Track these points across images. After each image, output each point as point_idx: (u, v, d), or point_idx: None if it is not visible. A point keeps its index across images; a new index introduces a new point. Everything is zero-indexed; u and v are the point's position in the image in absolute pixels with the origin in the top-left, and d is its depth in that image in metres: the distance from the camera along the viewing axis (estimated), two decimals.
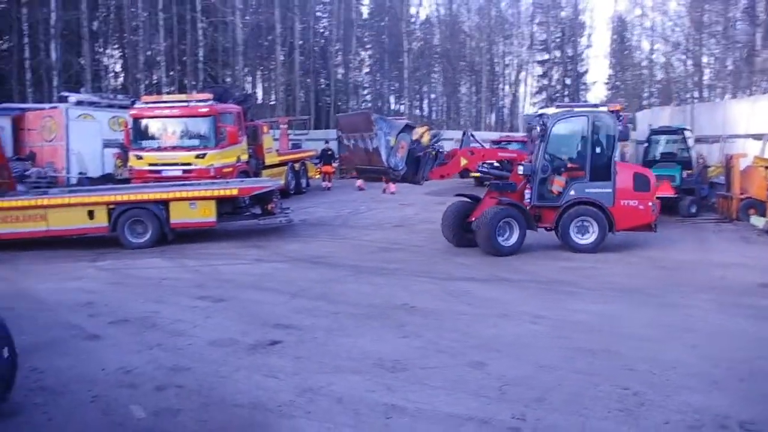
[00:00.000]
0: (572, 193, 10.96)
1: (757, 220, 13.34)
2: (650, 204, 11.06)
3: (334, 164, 24.17)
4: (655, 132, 17.76)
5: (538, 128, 11.39)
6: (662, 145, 17.58)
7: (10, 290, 8.76)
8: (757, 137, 18.33)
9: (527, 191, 11.13)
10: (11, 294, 8.50)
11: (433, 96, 62.68)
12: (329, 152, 24.03)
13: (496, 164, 11.96)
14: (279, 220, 13.39)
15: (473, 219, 11.22)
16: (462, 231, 11.52)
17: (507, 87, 59.25)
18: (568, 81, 56.89)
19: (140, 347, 6.18)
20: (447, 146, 13.19)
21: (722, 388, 5.09)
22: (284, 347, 6.14)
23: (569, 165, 11.12)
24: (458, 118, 57.71)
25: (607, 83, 58.18)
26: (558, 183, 10.98)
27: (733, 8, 40.80)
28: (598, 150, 11.13)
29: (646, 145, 17.72)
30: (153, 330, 6.77)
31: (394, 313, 7.31)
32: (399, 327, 6.77)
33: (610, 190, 10.92)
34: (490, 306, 7.65)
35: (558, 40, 56.14)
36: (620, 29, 56.44)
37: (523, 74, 57.76)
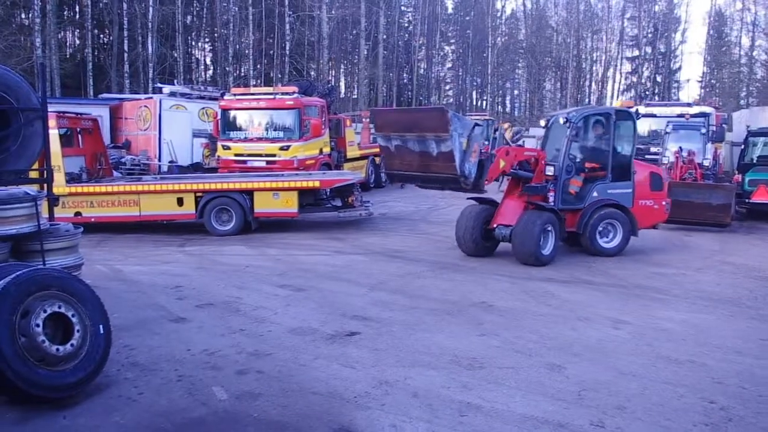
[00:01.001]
0: (595, 194, 10.46)
1: None
2: (664, 203, 10.96)
3: None
4: (753, 134, 16.82)
5: (543, 123, 10.67)
6: (760, 148, 16.63)
7: (105, 271, 9.26)
8: None
9: (551, 193, 10.30)
10: (106, 275, 8.99)
11: (516, 92, 61.66)
12: None
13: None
14: (359, 213, 13.54)
15: (495, 225, 10.13)
16: (482, 239, 10.37)
17: (593, 84, 57.53)
18: (659, 78, 54.63)
19: (224, 331, 6.41)
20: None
21: None
22: (362, 339, 6.22)
23: (588, 165, 10.55)
24: (542, 115, 56.55)
25: (700, 81, 55.44)
26: (575, 183, 10.38)
27: None
28: (619, 149, 10.70)
29: (742, 147, 16.82)
30: (236, 315, 7.01)
31: (471, 311, 7.27)
32: (477, 325, 6.73)
33: (630, 191, 10.59)
34: (570, 308, 7.48)
35: (650, 35, 53.97)
36: (718, 24, 53.65)
37: (611, 71, 55.96)
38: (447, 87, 59.94)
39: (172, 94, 19.94)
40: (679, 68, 55.79)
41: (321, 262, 10.13)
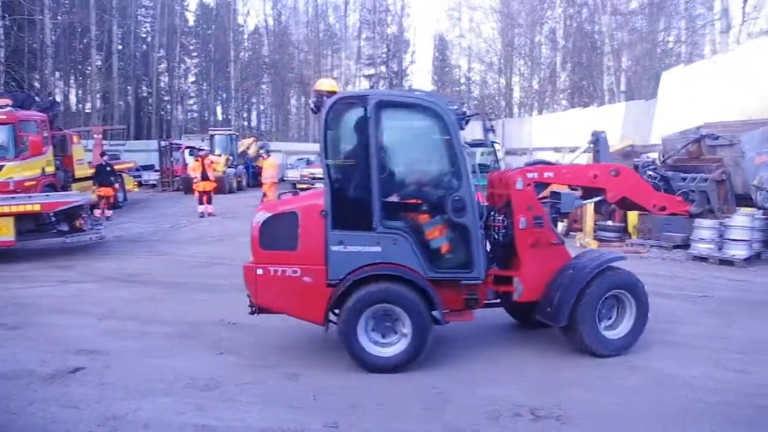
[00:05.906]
0: None
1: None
2: None
3: (117, 184, 19.54)
4: (469, 145, 18.96)
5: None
6: (477, 157, 18.81)
7: None
8: (558, 149, 20.32)
9: None
10: None
11: (262, 107, 62.10)
12: (108, 168, 18.53)
13: None
14: (89, 237, 12.39)
15: None
16: None
17: None
18: None
19: None
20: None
21: (520, 382, 5.52)
22: (87, 374, 5.71)
23: None
24: (287, 130, 57.77)
25: None
26: None
27: (538, 34, 44.92)
28: None
29: None
30: None
31: (211, 330, 7.09)
32: (215, 344, 6.58)
33: None
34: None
35: (384, 55, 58.03)
36: (441, 48, 59.73)
37: (350, 87, 59.01)
38: (191, 101, 58.27)
39: None
40: (411, 86, 60.85)
41: (43, 294, 9.10)
